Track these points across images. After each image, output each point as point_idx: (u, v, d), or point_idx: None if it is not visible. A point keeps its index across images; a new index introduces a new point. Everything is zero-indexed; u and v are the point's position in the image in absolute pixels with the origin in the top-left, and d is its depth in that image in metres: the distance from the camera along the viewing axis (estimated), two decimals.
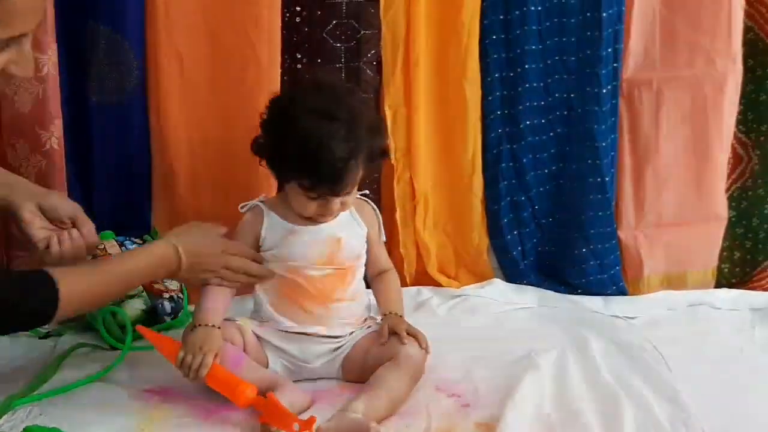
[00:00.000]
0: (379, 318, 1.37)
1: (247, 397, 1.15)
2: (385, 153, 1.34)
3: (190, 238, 1.27)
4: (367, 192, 1.39)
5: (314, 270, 1.29)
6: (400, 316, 1.34)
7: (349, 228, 1.33)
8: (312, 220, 1.29)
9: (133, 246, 1.61)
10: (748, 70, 1.71)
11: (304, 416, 1.14)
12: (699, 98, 1.68)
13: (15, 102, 1.52)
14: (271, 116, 1.28)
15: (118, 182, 1.64)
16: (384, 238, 1.42)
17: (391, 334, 1.29)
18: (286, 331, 1.29)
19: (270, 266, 1.31)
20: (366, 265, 1.37)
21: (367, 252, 1.36)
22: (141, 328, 1.29)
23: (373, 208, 1.39)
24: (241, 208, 1.34)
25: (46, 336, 1.50)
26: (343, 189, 1.23)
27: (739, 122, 1.74)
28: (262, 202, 1.34)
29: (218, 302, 1.27)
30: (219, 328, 1.23)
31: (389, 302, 1.37)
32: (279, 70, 1.58)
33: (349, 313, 1.32)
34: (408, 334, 1.28)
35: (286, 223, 1.30)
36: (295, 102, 1.24)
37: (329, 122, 1.19)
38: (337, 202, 1.25)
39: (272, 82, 1.57)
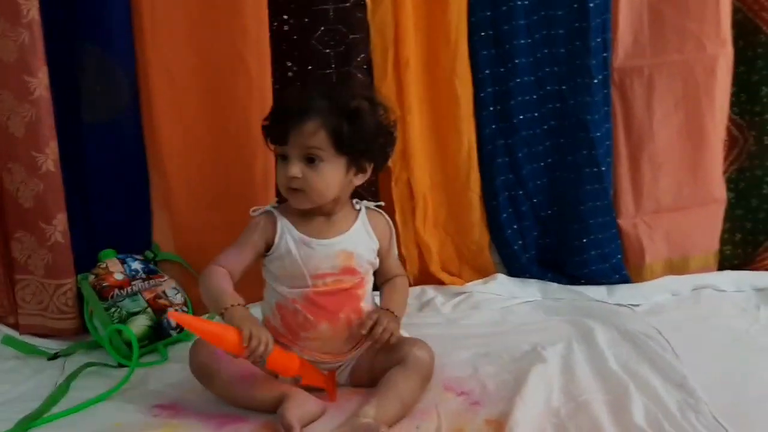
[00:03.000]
0: None
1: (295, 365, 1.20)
2: (364, 147, 1.23)
3: None
4: (382, 203, 1.35)
5: (324, 282, 1.26)
6: (396, 316, 1.29)
7: (361, 242, 1.30)
8: (291, 195, 1.24)
9: (135, 263, 1.62)
10: (739, 52, 1.71)
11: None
12: (691, 83, 1.68)
13: (8, 127, 1.52)
14: None
15: (116, 200, 1.65)
16: (396, 251, 1.38)
17: (371, 328, 1.23)
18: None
19: (276, 287, 1.27)
20: (376, 274, 1.35)
21: (381, 260, 1.33)
22: (173, 315, 1.20)
23: (387, 221, 1.35)
24: (253, 211, 1.30)
25: (54, 357, 1.50)
26: (286, 134, 1.20)
27: (732, 104, 1.74)
28: (274, 208, 1.30)
29: (229, 285, 1.23)
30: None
31: (390, 301, 1.32)
32: (270, 80, 1.58)
33: (357, 332, 1.27)
34: (386, 339, 1.23)
35: (298, 233, 1.27)
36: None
37: (307, 89, 1.21)
38: (293, 166, 1.20)
39: (263, 93, 1.57)
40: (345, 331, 1.28)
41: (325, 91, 1.24)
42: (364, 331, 1.24)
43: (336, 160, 1.22)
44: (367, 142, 1.24)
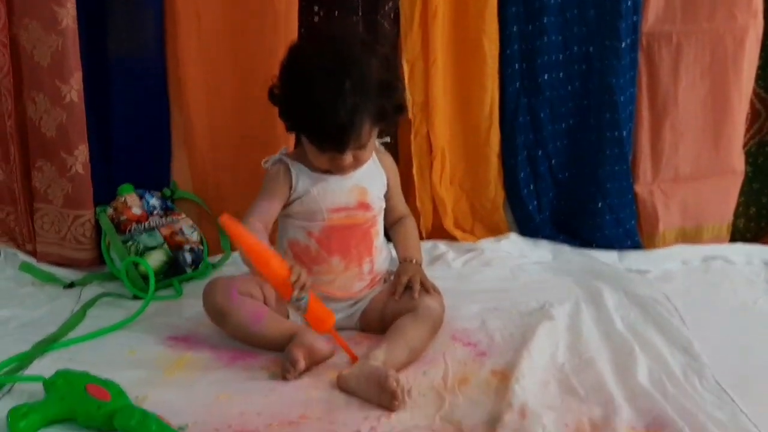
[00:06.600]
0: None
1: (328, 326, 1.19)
2: (400, 110, 1.31)
3: None
4: (387, 139, 1.37)
5: (339, 216, 1.29)
6: (419, 264, 1.36)
7: (372, 176, 1.33)
8: (338, 172, 1.27)
9: (153, 199, 1.63)
10: None
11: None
12: (719, 52, 1.66)
13: (34, 56, 1.52)
14: (285, 66, 1.27)
15: (137, 136, 1.66)
16: (400, 189, 1.43)
17: (407, 288, 1.30)
18: None
19: (292, 222, 1.30)
20: (384, 212, 1.37)
21: (386, 198, 1.37)
22: (226, 218, 1.14)
23: (391, 158, 1.40)
24: (264, 163, 1.33)
25: (70, 285, 1.53)
26: (346, 147, 1.21)
27: (757, 77, 1.72)
28: (284, 155, 1.33)
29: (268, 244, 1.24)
30: None
31: (408, 249, 1.39)
32: (296, 21, 1.57)
33: (368, 270, 1.33)
34: (423, 286, 1.30)
35: (312, 172, 1.29)
36: (307, 54, 1.22)
37: (336, 78, 1.16)
38: (347, 157, 1.23)
39: (290, 33, 1.56)
40: (357, 268, 1.31)
41: (357, 80, 1.17)
42: (397, 297, 1.28)
43: (375, 130, 1.25)
44: (399, 103, 1.29)
